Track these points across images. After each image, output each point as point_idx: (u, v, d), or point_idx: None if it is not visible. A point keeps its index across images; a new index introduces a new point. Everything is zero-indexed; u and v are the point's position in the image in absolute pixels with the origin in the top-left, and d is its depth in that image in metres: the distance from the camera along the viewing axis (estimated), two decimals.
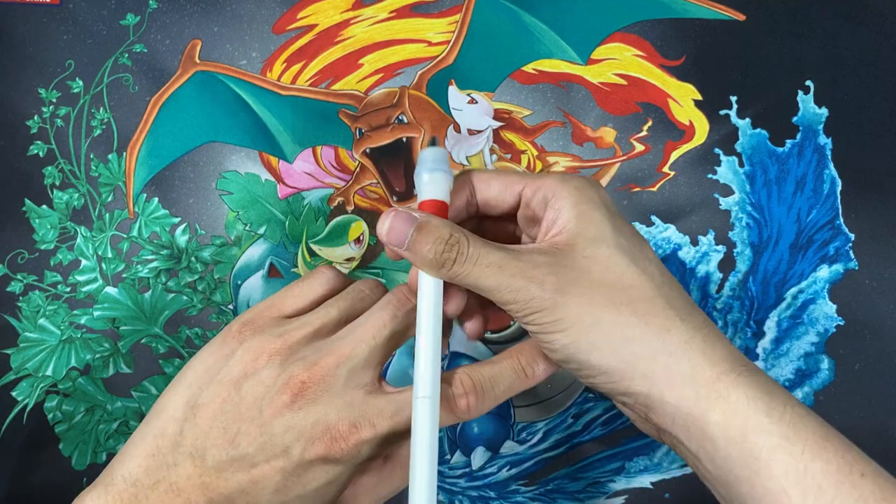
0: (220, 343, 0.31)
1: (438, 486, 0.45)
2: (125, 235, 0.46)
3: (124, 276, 0.46)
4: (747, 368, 0.28)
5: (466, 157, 0.46)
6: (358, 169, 0.47)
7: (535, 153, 0.47)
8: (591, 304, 0.29)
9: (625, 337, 0.28)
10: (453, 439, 0.46)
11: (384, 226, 0.30)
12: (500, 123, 0.47)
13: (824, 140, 0.47)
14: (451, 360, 0.46)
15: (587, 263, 0.29)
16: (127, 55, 0.47)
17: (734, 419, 0.27)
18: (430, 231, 0.29)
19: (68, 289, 0.46)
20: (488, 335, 0.46)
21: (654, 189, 0.47)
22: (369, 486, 0.32)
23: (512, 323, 0.46)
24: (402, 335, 0.32)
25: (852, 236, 0.47)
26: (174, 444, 0.29)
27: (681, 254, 0.46)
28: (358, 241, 0.45)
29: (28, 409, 0.45)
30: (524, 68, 0.47)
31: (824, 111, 0.47)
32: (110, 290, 0.46)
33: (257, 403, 0.29)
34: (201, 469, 0.28)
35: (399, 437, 0.30)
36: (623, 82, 0.47)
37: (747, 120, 0.47)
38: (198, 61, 0.47)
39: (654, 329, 0.29)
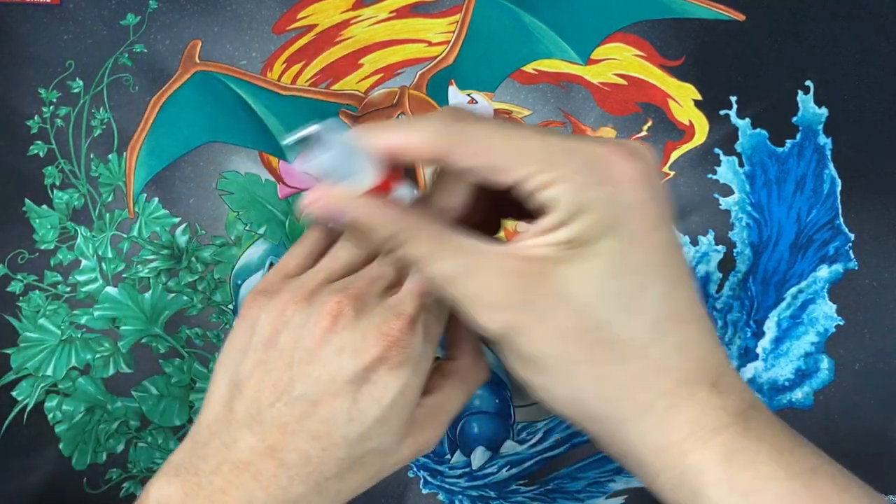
0: (241, 321, 0.30)
1: (437, 486, 0.45)
2: (125, 235, 0.46)
3: (124, 276, 0.46)
4: (709, 433, 0.26)
5: None
6: None
7: None
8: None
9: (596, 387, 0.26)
10: (453, 439, 0.46)
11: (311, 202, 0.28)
12: None
13: (824, 140, 0.47)
14: None
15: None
16: (127, 55, 0.47)
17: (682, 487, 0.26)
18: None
19: (68, 289, 0.46)
20: None
21: None
22: (442, 398, 0.31)
23: None
24: None
25: (852, 236, 0.47)
26: (227, 423, 0.27)
27: None
28: None
29: (28, 408, 0.45)
30: (524, 68, 0.47)
31: (824, 111, 0.47)
32: (110, 289, 0.46)
33: (299, 345, 0.27)
34: (262, 433, 0.27)
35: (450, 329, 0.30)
36: (623, 82, 0.47)
37: (747, 120, 0.47)
38: (198, 61, 0.47)
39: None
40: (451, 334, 0.34)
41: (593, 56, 0.47)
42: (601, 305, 0.25)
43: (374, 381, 0.27)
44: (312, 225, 0.33)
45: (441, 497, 0.45)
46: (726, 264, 0.46)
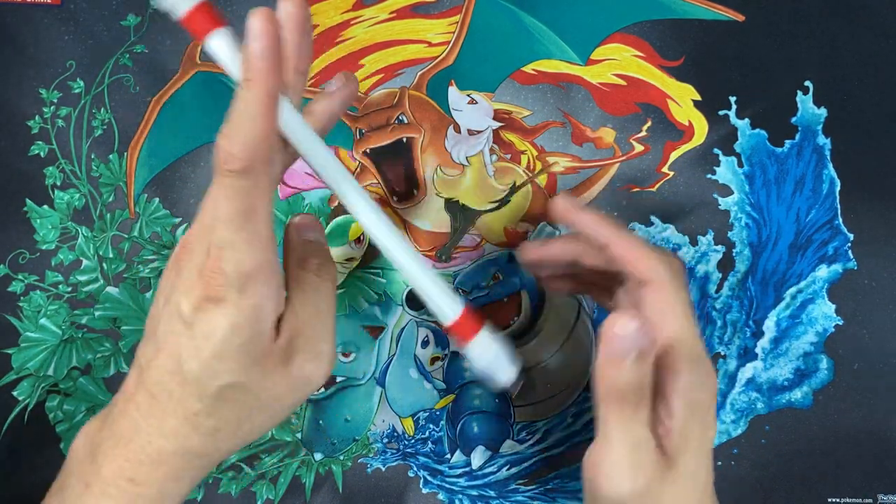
0: None
1: (437, 486, 0.45)
2: (126, 235, 0.46)
3: (125, 276, 0.46)
4: None
5: (466, 158, 0.47)
6: (358, 169, 0.47)
7: (535, 153, 0.47)
8: None
9: None
10: (453, 439, 0.46)
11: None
12: (499, 124, 0.47)
13: (823, 140, 0.47)
14: (451, 360, 0.46)
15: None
16: (128, 55, 0.47)
17: None
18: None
19: (69, 289, 0.46)
20: None
21: (654, 189, 0.47)
22: (298, 322, 0.30)
23: (511, 322, 0.46)
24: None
25: (851, 236, 0.47)
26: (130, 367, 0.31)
27: (680, 254, 0.46)
28: (358, 241, 0.45)
29: (29, 408, 0.45)
30: (524, 69, 0.47)
31: (823, 111, 0.47)
32: (111, 289, 0.46)
33: (163, 293, 0.30)
34: (138, 370, 0.30)
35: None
36: (622, 83, 0.47)
37: (746, 120, 0.47)
38: (198, 62, 0.47)
39: None
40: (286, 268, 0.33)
41: (593, 56, 0.47)
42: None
43: (202, 318, 0.28)
44: None
45: (441, 496, 0.45)
46: (726, 264, 0.46)
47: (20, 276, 0.46)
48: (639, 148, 0.47)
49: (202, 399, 0.28)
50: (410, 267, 0.32)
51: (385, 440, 0.46)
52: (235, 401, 0.29)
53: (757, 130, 0.47)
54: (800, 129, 0.47)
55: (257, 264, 0.28)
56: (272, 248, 0.28)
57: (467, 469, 0.46)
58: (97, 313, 0.46)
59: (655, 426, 0.30)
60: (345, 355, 0.46)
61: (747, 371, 0.46)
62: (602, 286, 0.38)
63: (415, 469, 0.46)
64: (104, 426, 0.30)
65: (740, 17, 0.48)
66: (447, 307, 0.32)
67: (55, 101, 0.47)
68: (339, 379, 0.46)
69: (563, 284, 0.40)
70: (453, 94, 0.47)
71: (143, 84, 0.47)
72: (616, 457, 0.30)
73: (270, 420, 0.31)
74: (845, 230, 0.47)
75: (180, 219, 0.46)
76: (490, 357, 0.33)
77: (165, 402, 0.29)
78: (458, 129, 0.47)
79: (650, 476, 0.30)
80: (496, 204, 0.47)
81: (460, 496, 0.45)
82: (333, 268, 0.33)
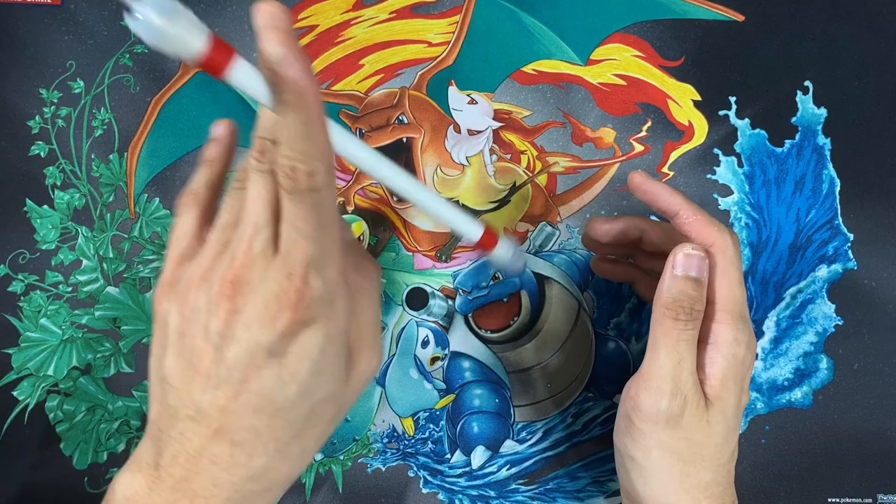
0: (155, 318, 0.30)
1: (437, 486, 0.45)
2: (126, 235, 0.46)
3: (125, 276, 0.46)
4: None
5: (466, 157, 0.47)
6: (358, 169, 0.47)
7: (535, 153, 0.47)
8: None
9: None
10: (453, 439, 0.46)
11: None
12: (499, 124, 0.47)
13: (823, 140, 0.47)
14: (451, 360, 0.46)
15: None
16: (128, 56, 0.47)
17: None
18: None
19: (69, 289, 0.46)
20: (488, 335, 0.46)
21: None
22: (356, 321, 0.30)
23: (511, 322, 0.46)
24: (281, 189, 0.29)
25: (851, 236, 0.47)
26: (169, 417, 0.28)
27: None
28: (358, 240, 0.45)
29: (29, 408, 0.45)
30: (524, 69, 0.47)
31: (823, 111, 0.47)
32: (111, 289, 0.46)
33: (209, 330, 0.27)
34: (205, 421, 0.27)
35: (347, 268, 0.29)
36: (622, 83, 0.47)
37: (746, 120, 0.47)
38: None
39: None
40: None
41: (593, 56, 0.47)
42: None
43: (294, 342, 0.27)
44: (183, 201, 0.33)
45: (441, 496, 0.45)
46: None
47: (20, 276, 0.46)
48: (639, 148, 0.47)
49: (294, 424, 0.28)
50: (436, 204, 0.33)
51: (385, 440, 0.46)
52: (324, 414, 0.29)
53: (757, 130, 0.47)
54: (800, 129, 0.47)
55: (339, 270, 0.28)
56: (342, 250, 0.28)
57: (467, 469, 0.46)
58: (97, 313, 0.46)
59: (699, 370, 0.34)
60: None
61: None
62: (645, 275, 0.43)
63: (415, 469, 0.46)
64: (155, 490, 0.28)
65: (740, 17, 0.48)
66: (473, 229, 0.35)
67: (55, 101, 0.47)
68: None
69: (611, 268, 0.44)
70: (453, 94, 0.47)
71: (143, 84, 0.47)
72: (660, 371, 0.33)
73: (338, 423, 0.31)
74: (845, 230, 0.47)
75: None
76: (510, 255, 0.37)
77: (253, 443, 0.27)
78: (458, 129, 0.47)
79: (687, 403, 0.33)
80: (496, 204, 0.47)
81: (460, 496, 0.45)
82: (373, 264, 0.33)
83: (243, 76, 0.27)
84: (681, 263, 0.33)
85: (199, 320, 0.27)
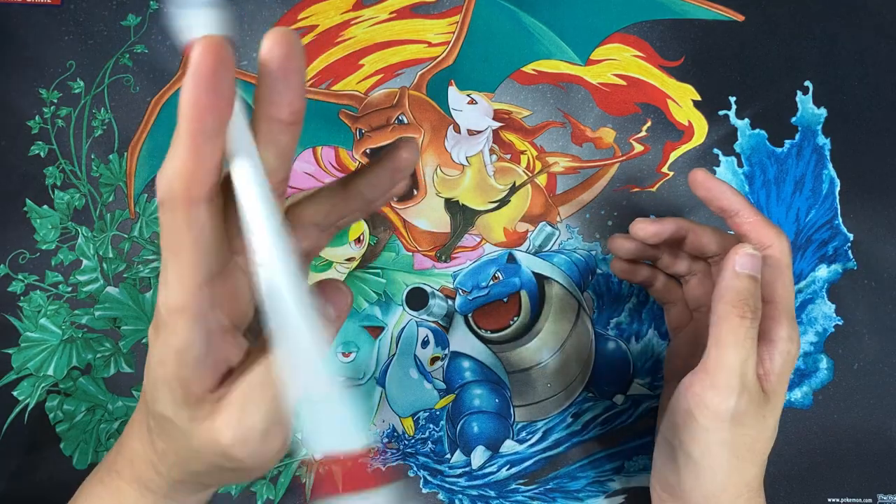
0: None
1: (437, 486, 0.45)
2: (126, 235, 0.46)
3: (125, 276, 0.46)
4: None
5: (466, 157, 0.47)
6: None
7: (535, 153, 0.47)
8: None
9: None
10: (453, 439, 0.46)
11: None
12: (499, 124, 0.47)
13: (823, 140, 0.47)
14: (451, 360, 0.46)
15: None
16: (128, 56, 0.47)
17: None
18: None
19: (69, 289, 0.46)
20: (488, 335, 0.46)
21: (654, 189, 0.47)
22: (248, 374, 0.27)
23: (511, 322, 0.46)
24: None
25: (851, 236, 0.47)
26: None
27: None
28: (358, 241, 0.45)
29: (29, 408, 0.45)
30: (524, 69, 0.47)
31: (823, 111, 0.47)
32: (111, 289, 0.46)
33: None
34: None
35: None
36: (622, 83, 0.47)
37: (746, 120, 0.47)
38: None
39: None
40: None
41: (593, 56, 0.47)
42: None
43: (152, 342, 0.27)
44: None
45: (441, 496, 0.45)
46: None
47: (20, 276, 0.46)
48: (639, 148, 0.47)
49: (153, 416, 0.29)
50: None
51: (385, 440, 0.46)
52: (172, 434, 0.28)
53: (757, 130, 0.47)
54: (800, 129, 0.47)
55: (180, 304, 0.26)
56: (199, 293, 0.26)
57: (467, 469, 0.46)
58: (97, 313, 0.46)
59: (757, 367, 0.34)
60: (345, 355, 0.46)
61: None
62: (666, 277, 0.43)
63: (415, 469, 0.45)
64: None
65: (740, 17, 0.48)
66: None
67: (55, 101, 0.47)
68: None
69: (633, 269, 0.43)
70: (453, 94, 0.47)
71: (143, 84, 0.47)
72: (728, 368, 0.33)
73: (219, 476, 0.30)
74: (845, 230, 0.47)
75: None
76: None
77: (140, 404, 0.31)
78: (458, 129, 0.47)
79: (751, 401, 0.33)
80: (496, 204, 0.47)
81: (460, 496, 0.45)
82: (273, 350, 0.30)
83: None
84: (745, 263, 0.34)
85: None
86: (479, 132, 0.47)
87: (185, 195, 0.25)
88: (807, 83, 0.47)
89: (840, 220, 0.47)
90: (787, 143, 0.47)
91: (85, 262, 0.46)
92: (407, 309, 0.46)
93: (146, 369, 0.28)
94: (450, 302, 0.46)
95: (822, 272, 0.46)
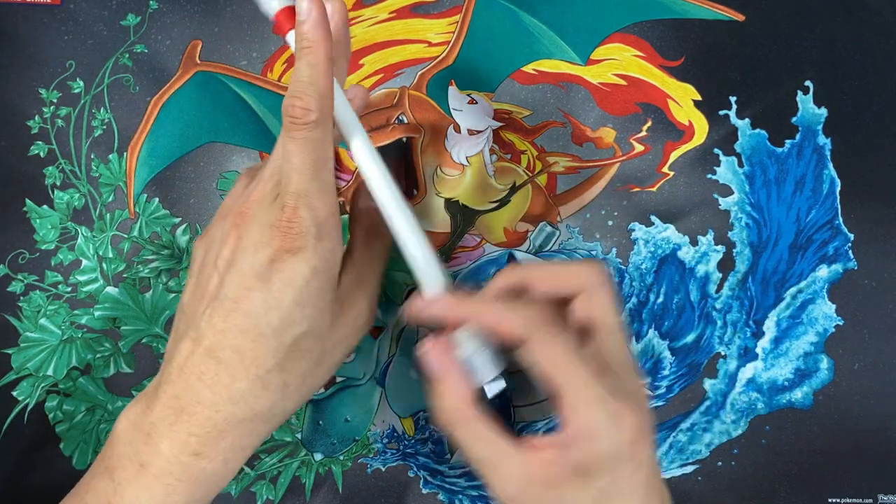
0: (190, 265, 0.35)
1: (437, 486, 0.45)
2: (126, 235, 0.46)
3: (125, 276, 0.46)
4: None
5: (466, 157, 0.47)
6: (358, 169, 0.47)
7: (535, 153, 0.47)
8: None
9: None
10: None
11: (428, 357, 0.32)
12: (499, 124, 0.47)
13: (823, 140, 0.47)
14: None
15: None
16: (128, 55, 0.47)
17: None
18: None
19: (69, 289, 0.46)
20: None
21: (654, 189, 0.47)
22: (358, 270, 0.33)
23: None
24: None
25: (851, 236, 0.47)
26: (174, 341, 0.32)
27: (680, 254, 0.46)
28: None
29: (29, 408, 0.45)
30: (524, 69, 0.47)
31: (823, 111, 0.47)
32: (111, 290, 0.46)
33: (217, 256, 0.31)
34: (197, 337, 0.30)
35: (340, 218, 0.31)
36: (623, 83, 0.47)
37: (746, 120, 0.47)
38: (198, 62, 0.47)
39: None
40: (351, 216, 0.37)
41: (593, 56, 0.47)
42: None
43: (281, 268, 0.29)
44: (241, 173, 0.37)
45: (441, 497, 0.45)
46: (726, 264, 0.46)
47: (20, 276, 0.46)
48: (639, 148, 0.47)
49: (277, 353, 0.29)
50: (407, 234, 0.33)
51: (385, 440, 0.46)
52: (308, 350, 0.30)
53: (757, 130, 0.47)
54: (800, 129, 0.47)
55: (330, 211, 0.30)
56: (336, 198, 0.31)
57: (467, 469, 0.46)
58: (97, 313, 0.46)
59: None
60: None
61: (747, 371, 0.46)
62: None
63: (415, 469, 0.45)
64: (151, 408, 0.30)
65: (740, 17, 0.48)
66: (431, 279, 0.33)
67: (55, 101, 0.47)
68: (338, 379, 0.46)
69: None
70: (453, 94, 0.47)
71: (143, 84, 0.47)
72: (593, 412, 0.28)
73: (327, 373, 0.33)
74: (845, 230, 0.47)
75: (180, 219, 0.46)
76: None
77: (236, 365, 0.29)
78: (458, 129, 0.47)
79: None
80: (496, 204, 0.47)
81: (460, 496, 0.45)
82: (382, 234, 0.35)
83: (291, 38, 0.32)
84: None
85: (213, 251, 0.31)
86: (479, 132, 0.47)
87: (330, 111, 0.30)
88: (807, 83, 0.47)
89: (840, 220, 0.47)
90: (788, 142, 0.47)
91: (84, 262, 0.46)
92: None
93: (261, 314, 0.29)
94: None
95: (823, 272, 0.46)
